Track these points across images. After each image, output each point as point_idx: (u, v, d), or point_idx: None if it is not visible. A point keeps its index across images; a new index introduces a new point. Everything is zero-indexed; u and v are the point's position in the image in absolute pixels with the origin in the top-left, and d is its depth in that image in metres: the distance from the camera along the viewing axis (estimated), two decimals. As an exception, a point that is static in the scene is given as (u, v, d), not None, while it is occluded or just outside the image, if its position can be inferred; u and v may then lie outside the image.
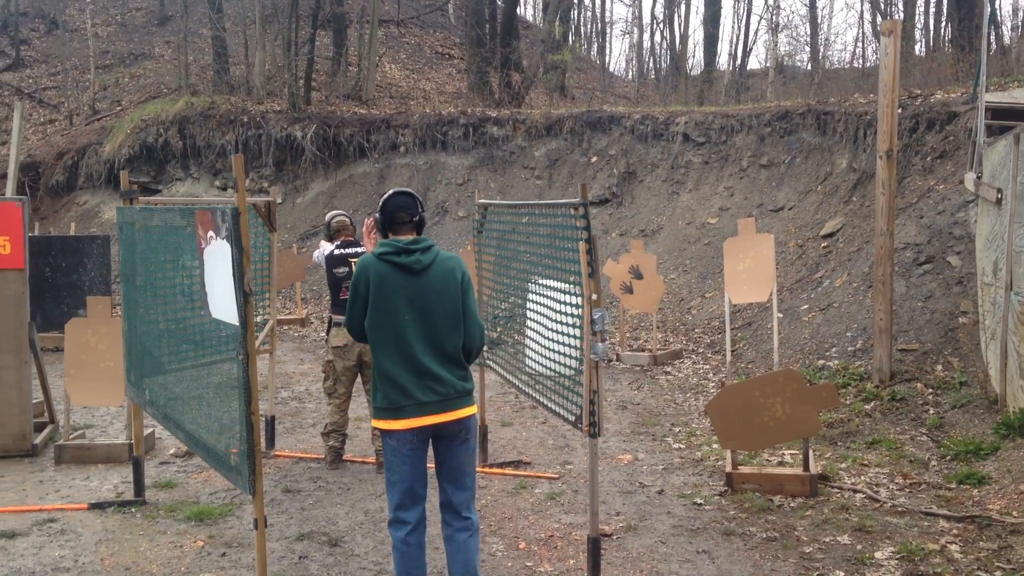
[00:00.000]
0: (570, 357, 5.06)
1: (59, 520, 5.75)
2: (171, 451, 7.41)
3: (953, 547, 5.12)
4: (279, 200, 18.09)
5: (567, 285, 4.92)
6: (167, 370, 5.11)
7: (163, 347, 5.20)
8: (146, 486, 6.19)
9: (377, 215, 4.20)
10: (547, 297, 5.35)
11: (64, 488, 6.46)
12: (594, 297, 4.25)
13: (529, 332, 5.93)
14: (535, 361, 5.74)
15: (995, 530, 5.31)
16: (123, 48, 26.03)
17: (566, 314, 4.96)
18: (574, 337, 4.84)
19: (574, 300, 4.80)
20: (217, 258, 3.94)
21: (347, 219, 7.28)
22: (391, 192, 4.24)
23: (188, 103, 19.81)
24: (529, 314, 5.83)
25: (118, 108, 22.36)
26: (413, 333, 4.00)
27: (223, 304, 3.94)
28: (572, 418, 4.70)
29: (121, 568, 5.02)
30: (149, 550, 5.26)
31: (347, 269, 6.83)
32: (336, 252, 6.93)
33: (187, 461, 7.15)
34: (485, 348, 5.49)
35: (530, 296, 5.75)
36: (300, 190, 18.99)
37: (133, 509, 5.97)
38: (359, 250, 6.99)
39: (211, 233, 3.97)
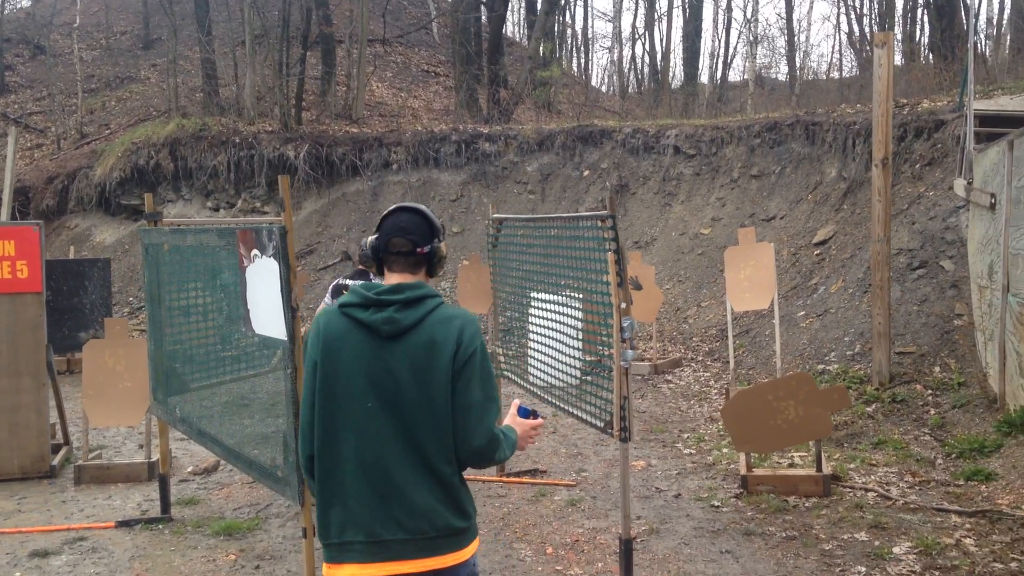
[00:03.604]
0: (573, 367, 5.28)
1: (89, 538, 5.83)
2: (189, 469, 7.48)
3: (968, 540, 5.29)
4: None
5: (571, 295, 5.12)
6: (202, 386, 5.22)
7: (197, 364, 5.31)
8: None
9: (371, 240, 2.80)
10: (556, 308, 5.54)
11: (88, 507, 6.53)
12: (623, 306, 4.40)
13: (534, 344, 6.15)
14: (541, 371, 5.95)
15: (1007, 523, 5.50)
16: (109, 72, 26.05)
17: (568, 325, 5.16)
18: (575, 348, 5.05)
19: (591, 308, 4.97)
20: (261, 275, 4.07)
21: None
22: (393, 207, 2.80)
23: (179, 125, 19.86)
24: (536, 325, 6.02)
25: (107, 132, 22.36)
26: (379, 431, 2.57)
27: (268, 320, 4.06)
28: (602, 424, 4.84)
29: (159, 583, 5.12)
30: (183, 565, 5.35)
31: None
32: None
33: (206, 478, 7.23)
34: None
35: (543, 307, 5.92)
36: (293, 209, 19.06)
37: (160, 526, 6.05)
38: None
39: (255, 251, 4.10)
